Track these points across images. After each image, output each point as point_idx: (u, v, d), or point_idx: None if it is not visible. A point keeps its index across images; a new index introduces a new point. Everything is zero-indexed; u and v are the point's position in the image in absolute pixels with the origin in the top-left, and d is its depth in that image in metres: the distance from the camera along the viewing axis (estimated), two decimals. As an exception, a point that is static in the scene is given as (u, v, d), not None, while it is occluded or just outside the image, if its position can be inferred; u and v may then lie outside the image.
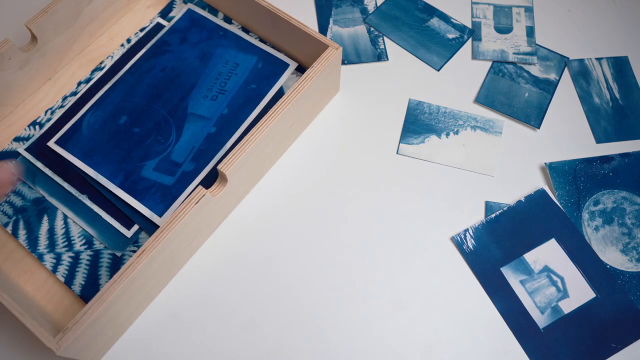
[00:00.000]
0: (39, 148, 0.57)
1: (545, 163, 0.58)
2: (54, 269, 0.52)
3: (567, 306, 0.52)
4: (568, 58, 0.66)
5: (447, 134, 0.60)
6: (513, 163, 0.59)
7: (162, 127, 0.57)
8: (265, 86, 0.60)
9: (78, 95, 0.60)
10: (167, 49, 0.62)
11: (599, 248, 0.54)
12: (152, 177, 0.55)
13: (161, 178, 0.55)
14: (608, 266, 0.54)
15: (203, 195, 0.47)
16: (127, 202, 0.53)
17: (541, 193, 0.57)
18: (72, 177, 0.55)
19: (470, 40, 0.67)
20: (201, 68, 0.60)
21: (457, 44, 0.67)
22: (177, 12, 0.65)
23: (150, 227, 0.53)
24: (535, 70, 0.65)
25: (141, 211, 0.53)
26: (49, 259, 0.52)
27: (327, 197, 0.57)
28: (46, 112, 0.59)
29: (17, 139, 0.58)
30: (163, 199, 0.54)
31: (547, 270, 0.53)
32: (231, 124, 0.58)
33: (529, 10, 0.69)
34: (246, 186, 0.56)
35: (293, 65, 0.61)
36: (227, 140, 0.57)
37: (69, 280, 0.51)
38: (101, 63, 0.62)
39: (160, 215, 0.53)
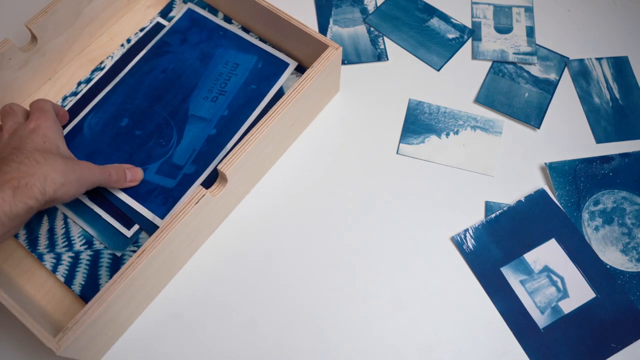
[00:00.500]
0: (39, 148, 0.57)
1: (545, 163, 0.58)
2: (54, 269, 0.52)
3: (567, 306, 0.52)
4: (568, 58, 0.66)
5: (447, 134, 0.60)
6: (513, 163, 0.59)
7: (163, 129, 0.57)
8: (265, 86, 0.59)
9: (78, 96, 0.60)
10: (168, 50, 0.62)
11: (599, 248, 0.54)
12: (154, 181, 0.55)
13: (163, 181, 0.55)
14: (608, 266, 0.54)
15: (203, 195, 0.47)
16: (129, 205, 0.53)
17: (541, 193, 0.57)
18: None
19: (470, 40, 0.67)
20: (201, 69, 0.60)
21: (457, 44, 0.67)
22: (177, 12, 0.65)
23: (150, 227, 0.53)
24: (535, 70, 0.65)
25: (144, 214, 0.53)
26: (49, 259, 0.52)
27: (327, 197, 0.57)
28: (46, 112, 0.59)
29: (17, 139, 0.58)
30: (165, 201, 0.54)
31: (547, 270, 0.53)
32: (231, 125, 0.57)
33: (529, 10, 0.69)
34: (246, 186, 0.56)
35: (293, 64, 0.61)
36: (228, 142, 0.57)
37: (69, 280, 0.51)
38: (101, 63, 0.62)
39: (162, 217, 0.53)
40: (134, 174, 0.54)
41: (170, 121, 0.57)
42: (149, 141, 0.57)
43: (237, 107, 0.58)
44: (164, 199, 0.54)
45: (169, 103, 0.59)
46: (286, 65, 0.61)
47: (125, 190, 0.54)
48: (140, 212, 0.53)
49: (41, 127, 0.48)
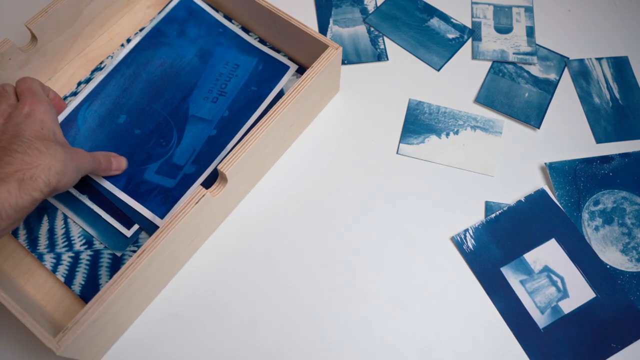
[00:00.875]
0: (39, 148, 0.56)
1: (545, 163, 0.58)
2: (54, 269, 0.52)
3: (567, 306, 0.52)
4: (568, 58, 0.66)
5: (447, 134, 0.60)
6: (513, 163, 0.59)
7: (163, 129, 0.57)
8: (266, 89, 0.59)
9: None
10: (164, 41, 0.61)
11: (599, 248, 0.54)
12: (154, 180, 0.55)
13: (163, 181, 0.55)
14: (608, 266, 0.54)
15: (203, 195, 0.47)
16: (129, 205, 0.53)
17: (541, 193, 0.57)
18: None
19: (470, 40, 0.67)
20: (201, 67, 0.60)
21: (457, 44, 0.67)
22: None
23: (150, 227, 0.53)
24: (535, 70, 0.65)
25: (144, 214, 0.53)
26: (49, 259, 0.52)
27: (327, 197, 0.57)
28: (46, 112, 0.59)
29: (17, 139, 0.58)
30: (165, 201, 0.54)
31: (547, 270, 0.53)
32: (232, 127, 0.57)
33: (529, 10, 0.69)
34: (246, 186, 0.56)
35: (293, 67, 0.61)
36: (228, 143, 0.57)
37: (69, 280, 0.51)
38: (101, 63, 0.62)
39: (162, 217, 0.53)
40: (118, 163, 0.54)
41: (170, 121, 0.57)
42: (149, 141, 0.56)
43: (238, 108, 0.58)
44: (164, 198, 0.54)
45: (168, 102, 0.58)
46: (287, 68, 0.61)
47: (125, 189, 0.54)
48: (140, 211, 0.53)
49: (36, 111, 0.46)
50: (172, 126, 0.57)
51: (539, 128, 0.61)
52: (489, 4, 0.69)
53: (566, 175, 0.58)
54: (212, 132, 0.57)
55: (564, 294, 0.52)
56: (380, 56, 0.65)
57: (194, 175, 0.55)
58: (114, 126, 0.57)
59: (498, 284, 0.53)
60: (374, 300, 0.52)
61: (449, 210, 0.56)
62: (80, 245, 0.53)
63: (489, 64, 0.65)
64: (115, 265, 0.52)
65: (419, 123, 0.61)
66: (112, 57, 0.63)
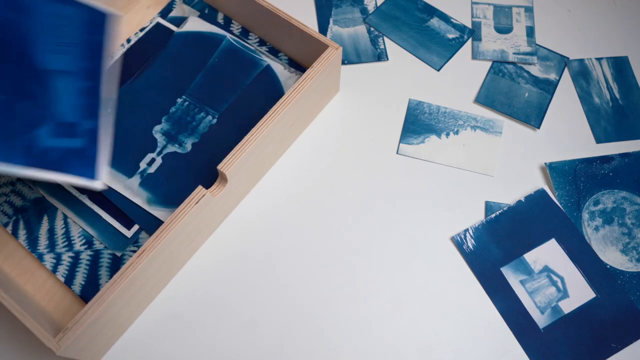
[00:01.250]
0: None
1: (545, 163, 0.58)
2: (54, 269, 0.52)
3: (567, 306, 0.52)
4: (568, 58, 0.66)
5: (447, 134, 0.60)
6: (513, 163, 0.59)
7: (23, 88, 0.48)
8: (101, 35, 0.52)
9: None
10: None
11: (599, 248, 0.54)
12: (58, 145, 0.48)
13: (67, 142, 0.49)
14: (608, 266, 0.54)
15: (203, 195, 0.47)
16: (56, 179, 0.47)
17: (541, 193, 0.57)
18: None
19: (470, 40, 0.67)
20: (24, 22, 0.49)
21: (457, 44, 0.67)
22: (177, 12, 0.65)
23: (150, 227, 0.53)
24: (535, 70, 0.65)
25: (74, 182, 0.48)
26: (49, 259, 0.52)
27: (327, 197, 0.57)
28: (45, 112, 0.59)
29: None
30: (86, 163, 0.49)
31: (547, 270, 0.53)
32: (96, 75, 0.51)
33: (529, 10, 0.69)
34: (246, 186, 0.56)
35: (117, 14, 0.53)
36: (100, 91, 0.51)
37: (69, 280, 0.51)
38: (101, 63, 0.62)
39: (94, 178, 0.48)
40: None
41: (25, 79, 0.48)
42: (12, 105, 0.47)
43: (92, 57, 0.51)
44: (82, 161, 0.49)
45: (10, 61, 0.48)
46: (105, 15, 0.52)
47: (29, 162, 0.46)
48: (70, 181, 0.47)
49: None
50: (31, 83, 0.48)
51: (539, 128, 0.61)
52: (489, 4, 0.69)
53: (566, 175, 0.58)
54: (83, 84, 0.50)
55: (564, 294, 0.52)
56: (380, 56, 0.65)
57: (93, 129, 0.50)
58: None
59: (498, 284, 0.53)
60: (374, 300, 0.52)
61: (449, 210, 0.57)
62: (80, 245, 0.53)
63: (489, 64, 0.65)
64: (115, 265, 0.52)
65: (419, 123, 0.61)
66: (111, 57, 0.62)
